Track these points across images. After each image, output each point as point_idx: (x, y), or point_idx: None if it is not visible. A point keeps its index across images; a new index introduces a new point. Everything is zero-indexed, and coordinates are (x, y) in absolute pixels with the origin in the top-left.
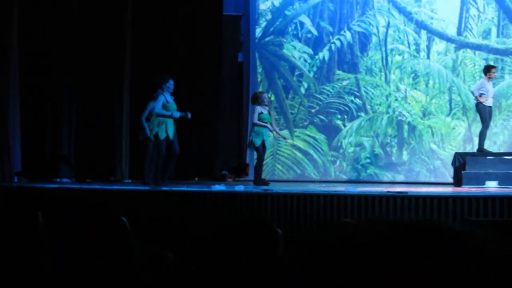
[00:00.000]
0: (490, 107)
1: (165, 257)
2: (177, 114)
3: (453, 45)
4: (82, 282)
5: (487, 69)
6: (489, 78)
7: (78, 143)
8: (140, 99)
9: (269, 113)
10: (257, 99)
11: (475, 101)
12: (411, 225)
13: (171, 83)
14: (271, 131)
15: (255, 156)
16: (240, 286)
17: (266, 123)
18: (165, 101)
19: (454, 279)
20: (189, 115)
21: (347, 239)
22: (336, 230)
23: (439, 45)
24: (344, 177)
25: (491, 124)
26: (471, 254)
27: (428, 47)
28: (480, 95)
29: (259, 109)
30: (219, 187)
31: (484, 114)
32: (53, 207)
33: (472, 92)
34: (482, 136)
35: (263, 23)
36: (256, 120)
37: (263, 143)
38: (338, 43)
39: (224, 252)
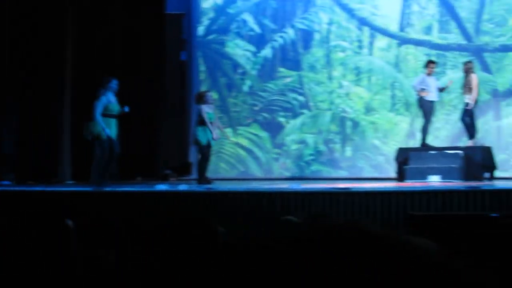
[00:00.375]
0: (432, 101)
1: (107, 258)
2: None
3: (395, 41)
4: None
5: (426, 64)
6: (429, 73)
7: (20, 144)
8: (83, 99)
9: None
10: (202, 98)
11: (417, 96)
12: (333, 229)
13: (114, 83)
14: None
15: (199, 155)
16: (180, 285)
17: (211, 122)
18: (106, 101)
19: (376, 281)
20: (126, 109)
21: (287, 238)
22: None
23: (381, 41)
24: (288, 174)
25: (434, 119)
26: (393, 257)
27: (371, 44)
28: (422, 90)
29: (205, 108)
30: (162, 187)
31: (426, 108)
32: None
33: (414, 87)
34: (424, 131)
35: (205, 21)
36: (206, 119)
37: (208, 142)
38: (281, 41)
39: (164, 252)
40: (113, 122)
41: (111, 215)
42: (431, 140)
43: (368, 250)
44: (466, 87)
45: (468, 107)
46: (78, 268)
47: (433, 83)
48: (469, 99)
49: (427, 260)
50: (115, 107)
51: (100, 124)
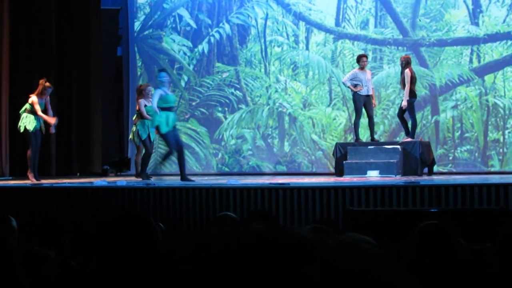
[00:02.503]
0: (366, 96)
1: (46, 255)
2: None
3: (332, 36)
4: None
5: (358, 59)
6: (361, 67)
7: None
8: (19, 94)
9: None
10: (142, 92)
11: (352, 92)
12: (262, 235)
13: (162, 76)
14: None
15: (141, 150)
16: (119, 282)
17: (150, 115)
18: (162, 93)
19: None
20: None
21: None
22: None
23: (317, 36)
24: (227, 170)
25: (372, 114)
26: (321, 262)
27: (307, 38)
28: (355, 85)
29: (143, 102)
30: (101, 183)
31: (359, 104)
32: None
33: (344, 83)
34: (356, 126)
35: (141, 16)
36: (145, 114)
37: (149, 136)
38: (217, 36)
39: (103, 249)
40: (170, 114)
41: (50, 211)
42: (368, 135)
43: (298, 257)
44: (402, 82)
45: (402, 103)
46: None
47: (365, 78)
48: (405, 96)
49: (357, 268)
50: (171, 98)
51: (161, 115)
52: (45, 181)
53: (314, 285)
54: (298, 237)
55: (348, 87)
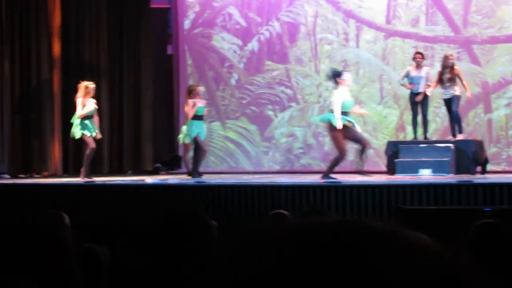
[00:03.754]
0: (418, 94)
1: (101, 252)
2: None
3: (382, 34)
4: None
5: (413, 56)
6: (416, 65)
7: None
8: (70, 94)
9: (204, 105)
10: (192, 92)
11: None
12: (333, 225)
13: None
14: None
15: (190, 149)
16: (174, 279)
17: (201, 115)
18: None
19: (379, 280)
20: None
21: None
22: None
23: (368, 34)
24: (277, 168)
25: (427, 112)
26: (396, 254)
27: (357, 36)
28: (410, 83)
29: (192, 101)
30: (152, 180)
31: (411, 102)
32: None
33: (399, 81)
34: (413, 124)
35: (191, 15)
36: (192, 113)
37: (198, 134)
38: (267, 34)
39: (157, 246)
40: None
41: (102, 208)
42: (421, 133)
43: (373, 249)
44: (452, 79)
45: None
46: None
47: (417, 75)
48: (456, 90)
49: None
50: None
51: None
52: (97, 179)
53: (394, 276)
54: (377, 227)
55: (402, 85)
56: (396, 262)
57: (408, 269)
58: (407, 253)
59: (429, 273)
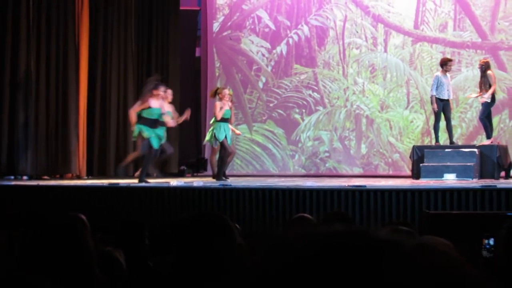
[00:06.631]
0: (446, 100)
1: (118, 256)
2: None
3: (410, 39)
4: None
5: (445, 62)
6: (445, 71)
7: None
8: (96, 96)
9: (230, 108)
10: (218, 94)
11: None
12: (338, 236)
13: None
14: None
15: (216, 151)
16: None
17: (227, 118)
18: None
19: None
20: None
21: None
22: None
23: (396, 39)
24: (303, 171)
25: (450, 116)
26: (401, 264)
27: (385, 41)
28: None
29: (220, 104)
30: (177, 183)
31: (438, 107)
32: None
33: (431, 95)
34: (435, 130)
35: (220, 17)
36: (219, 116)
37: (225, 138)
38: (295, 37)
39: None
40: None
41: (127, 211)
42: (446, 138)
43: (377, 260)
44: (483, 84)
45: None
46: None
47: (447, 81)
48: (487, 97)
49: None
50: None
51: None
52: (122, 181)
53: (392, 286)
54: (377, 237)
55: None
56: (399, 272)
57: (411, 279)
58: (411, 262)
59: (431, 283)
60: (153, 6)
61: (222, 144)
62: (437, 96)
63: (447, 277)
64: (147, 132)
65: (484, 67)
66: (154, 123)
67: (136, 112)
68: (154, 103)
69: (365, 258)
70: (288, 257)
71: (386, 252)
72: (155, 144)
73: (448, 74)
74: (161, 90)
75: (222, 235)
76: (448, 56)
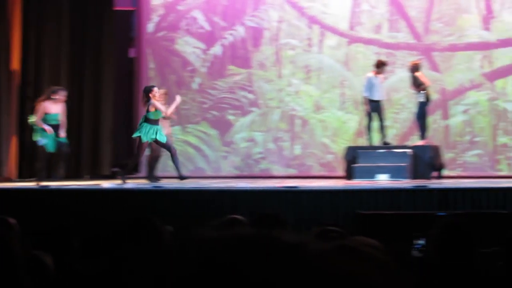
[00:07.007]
0: (379, 101)
1: (46, 259)
2: None
3: (345, 40)
4: None
5: (381, 64)
6: (378, 73)
7: None
8: (29, 96)
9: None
10: (150, 93)
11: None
12: (245, 239)
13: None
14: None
15: (148, 153)
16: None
17: (159, 119)
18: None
19: None
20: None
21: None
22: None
23: (331, 40)
24: (237, 172)
25: (383, 117)
26: (306, 266)
27: (321, 42)
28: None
29: (154, 104)
30: (109, 185)
31: (371, 108)
32: None
33: (364, 95)
34: (368, 130)
35: (155, 18)
36: (151, 116)
37: (156, 139)
38: (230, 38)
39: (110, 252)
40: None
41: (57, 214)
42: (379, 139)
43: (279, 262)
44: (415, 85)
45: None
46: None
47: (379, 83)
48: (422, 96)
49: (344, 270)
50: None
51: None
52: (53, 184)
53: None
54: (283, 241)
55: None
56: (298, 275)
57: (310, 281)
58: (311, 266)
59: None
60: (86, 6)
61: (150, 146)
62: (369, 97)
63: (348, 280)
64: (41, 137)
65: (413, 69)
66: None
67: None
68: (52, 108)
69: (265, 260)
70: (195, 258)
71: (288, 254)
72: (50, 147)
73: (380, 76)
74: (61, 95)
75: (150, 237)
76: (383, 57)
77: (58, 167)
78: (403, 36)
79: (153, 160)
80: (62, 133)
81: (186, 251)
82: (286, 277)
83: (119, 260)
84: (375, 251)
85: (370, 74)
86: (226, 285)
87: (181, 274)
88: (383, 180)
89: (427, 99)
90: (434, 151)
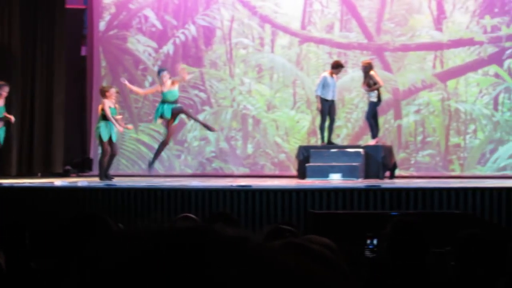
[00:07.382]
0: (332, 100)
1: None
2: None
3: (297, 39)
4: None
5: (338, 65)
6: (333, 73)
7: None
8: None
9: (115, 107)
10: (105, 94)
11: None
12: (183, 233)
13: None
14: (114, 125)
15: (100, 151)
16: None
17: (113, 117)
18: None
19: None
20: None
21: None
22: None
23: (283, 39)
24: (189, 171)
25: (335, 117)
26: (247, 260)
27: (272, 41)
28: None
29: (108, 103)
30: (61, 183)
31: (324, 108)
32: None
33: (316, 93)
34: (321, 130)
35: (107, 16)
36: (109, 115)
37: (110, 137)
38: (182, 37)
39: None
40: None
41: (10, 211)
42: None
43: (218, 256)
44: (366, 85)
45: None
46: None
47: (333, 82)
48: (374, 96)
49: (285, 266)
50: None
51: None
52: (5, 181)
53: (235, 286)
54: (224, 236)
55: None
56: (238, 271)
57: (249, 278)
58: (252, 261)
59: (269, 282)
60: (37, 3)
61: (103, 144)
62: (322, 96)
63: (292, 276)
64: None
65: (367, 68)
66: None
67: None
68: None
69: (201, 255)
70: (129, 252)
71: (227, 248)
72: None
73: (335, 76)
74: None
75: (100, 234)
76: (335, 57)
77: None
78: (355, 35)
79: (108, 158)
80: None
81: (120, 243)
82: (223, 270)
83: (68, 257)
84: (323, 249)
85: (326, 73)
86: (158, 277)
87: (109, 267)
88: (335, 180)
89: (379, 99)
90: (387, 151)
